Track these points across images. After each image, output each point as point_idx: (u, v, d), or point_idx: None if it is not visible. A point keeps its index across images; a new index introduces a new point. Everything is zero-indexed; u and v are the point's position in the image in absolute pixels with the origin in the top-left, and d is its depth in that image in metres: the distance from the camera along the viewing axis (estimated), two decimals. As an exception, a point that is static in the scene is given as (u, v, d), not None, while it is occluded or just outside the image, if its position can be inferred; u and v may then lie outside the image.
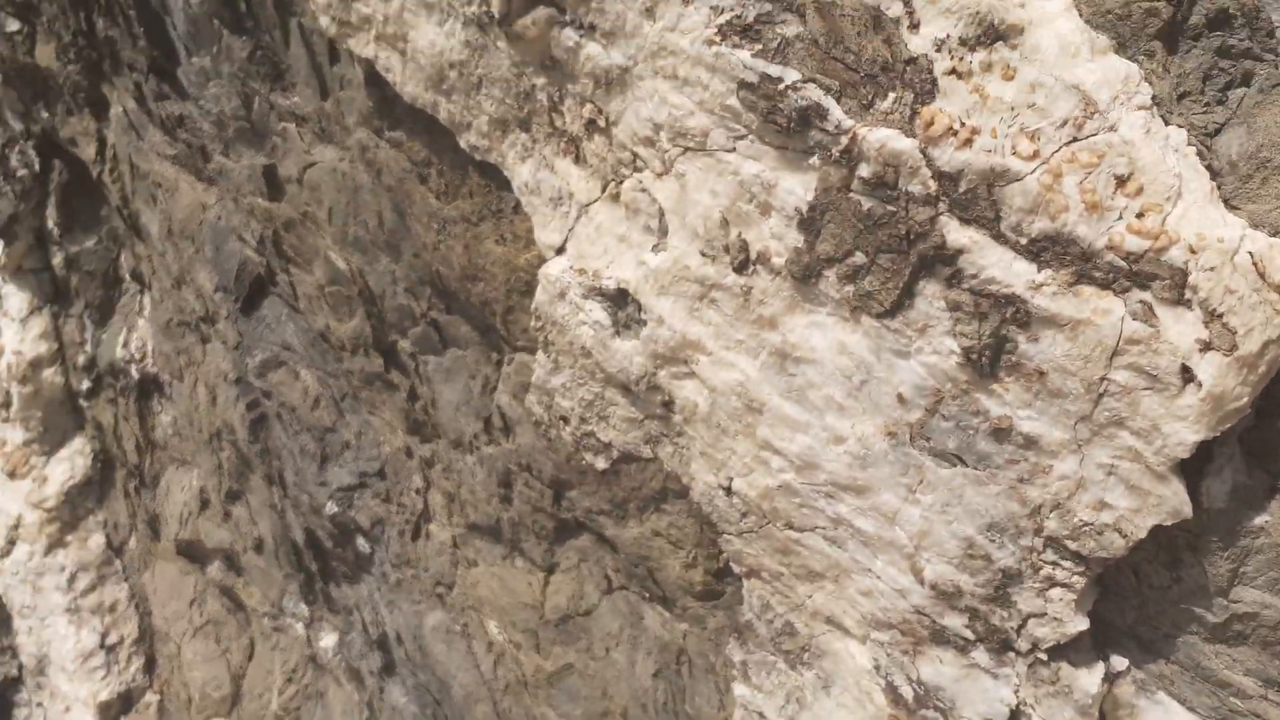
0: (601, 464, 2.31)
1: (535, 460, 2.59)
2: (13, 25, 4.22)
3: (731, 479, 1.91)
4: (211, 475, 4.31)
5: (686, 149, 1.71)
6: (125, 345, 4.72)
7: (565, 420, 2.35)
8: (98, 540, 5.08)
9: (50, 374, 4.94)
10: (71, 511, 5.03)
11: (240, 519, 4.24)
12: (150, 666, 5.07)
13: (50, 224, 4.75)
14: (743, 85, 1.56)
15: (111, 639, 5.00)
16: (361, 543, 3.54)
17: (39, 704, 5.06)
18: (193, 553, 4.72)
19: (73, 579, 5.00)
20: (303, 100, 2.92)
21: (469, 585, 3.21)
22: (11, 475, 5.06)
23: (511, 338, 2.49)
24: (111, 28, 3.69)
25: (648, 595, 2.47)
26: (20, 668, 5.11)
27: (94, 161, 4.30)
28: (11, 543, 5.08)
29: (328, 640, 4.04)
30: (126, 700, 4.96)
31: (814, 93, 1.47)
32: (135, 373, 4.69)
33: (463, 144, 2.23)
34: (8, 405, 4.99)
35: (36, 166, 4.65)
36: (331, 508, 3.49)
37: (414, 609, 3.41)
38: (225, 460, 4.13)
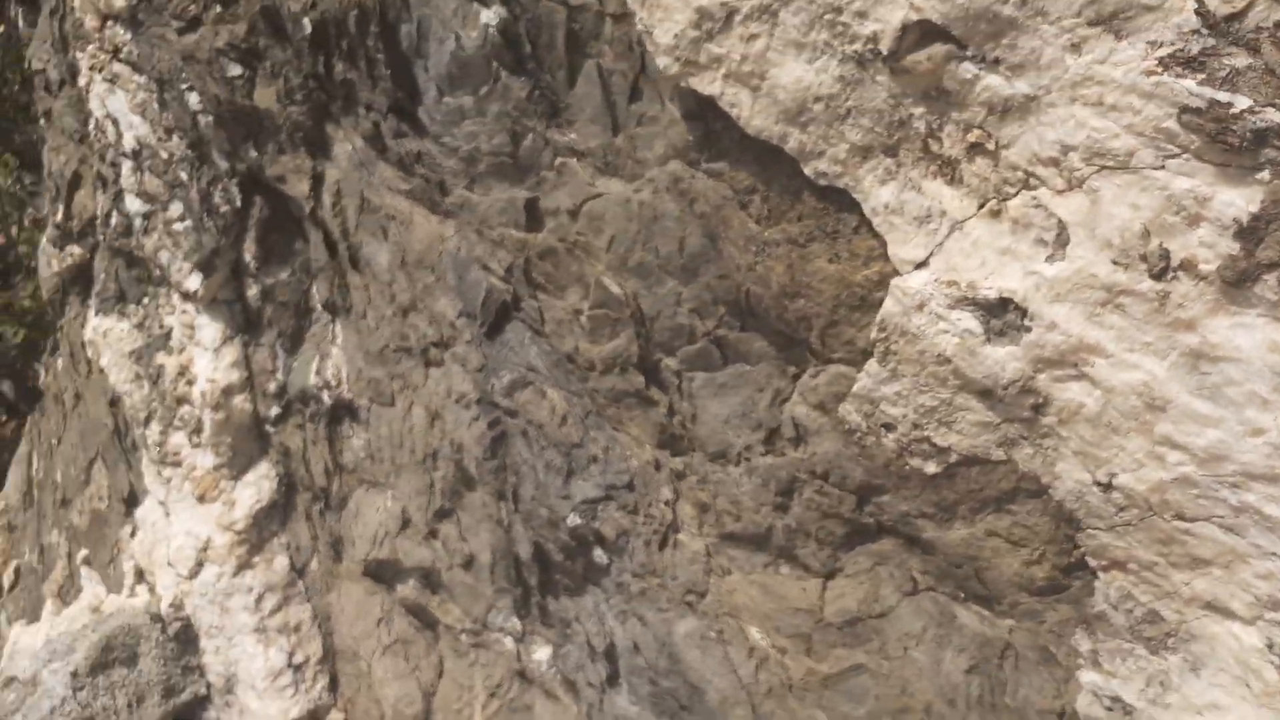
0: (931, 468, 2.47)
1: (839, 467, 2.74)
2: (234, 70, 4.48)
3: (1114, 475, 2.06)
4: (418, 495, 4.49)
5: (1103, 167, 1.88)
6: (319, 373, 4.93)
7: (889, 427, 2.51)
8: (282, 562, 5.26)
9: (240, 401, 5.16)
10: (258, 534, 5.23)
11: (448, 537, 4.41)
12: (333, 685, 5.23)
13: (248, 257, 4.99)
14: (1185, 110, 1.74)
15: (298, 658, 5.17)
16: (599, 554, 3.70)
17: (229, 721, 5.22)
18: (382, 573, 4.89)
19: (260, 599, 5.19)
20: (582, 136, 3.12)
21: (724, 593, 3.36)
22: (201, 499, 5.27)
23: (826, 350, 2.66)
24: (350, 71, 3.93)
25: (963, 595, 2.61)
26: (209, 686, 5.28)
27: (306, 197, 4.54)
28: (200, 564, 5.27)
29: (541, 653, 4.18)
30: (314, 717, 5.12)
31: (1275, 116, 1.64)
32: (328, 399, 4.90)
33: (808, 171, 2.41)
34: (199, 431, 5.21)
35: (238, 203, 4.89)
36: (574, 519, 3.66)
37: (661, 617, 3.56)
38: (439, 479, 4.31)
